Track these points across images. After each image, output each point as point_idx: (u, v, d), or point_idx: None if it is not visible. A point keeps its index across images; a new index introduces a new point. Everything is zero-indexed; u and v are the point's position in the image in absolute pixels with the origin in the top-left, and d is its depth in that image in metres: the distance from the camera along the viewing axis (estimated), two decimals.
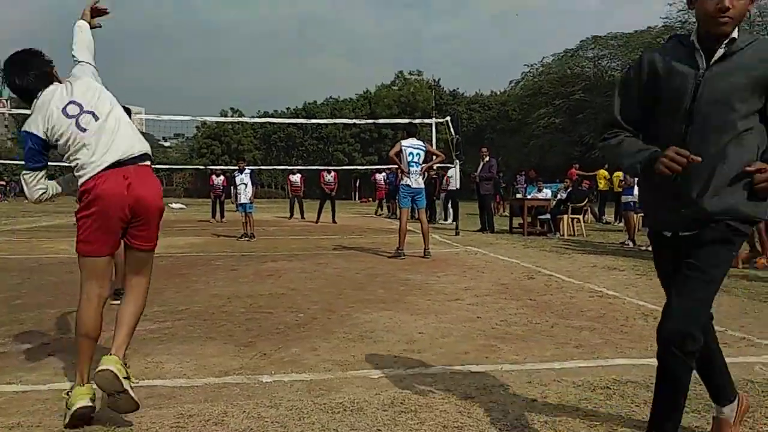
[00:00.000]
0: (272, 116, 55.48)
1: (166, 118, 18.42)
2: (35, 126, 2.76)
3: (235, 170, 13.21)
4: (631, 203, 11.18)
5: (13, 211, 24.67)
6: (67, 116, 2.74)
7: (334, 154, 52.97)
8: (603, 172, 17.69)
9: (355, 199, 46.18)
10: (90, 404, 2.60)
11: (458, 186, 13.88)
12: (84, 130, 2.74)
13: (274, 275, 6.86)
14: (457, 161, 13.37)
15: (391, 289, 6.01)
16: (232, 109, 59.43)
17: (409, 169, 8.49)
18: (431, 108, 23.15)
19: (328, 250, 9.66)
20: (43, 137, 2.76)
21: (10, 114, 71.54)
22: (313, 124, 44.54)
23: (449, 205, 16.86)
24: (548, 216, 12.89)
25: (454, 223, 13.39)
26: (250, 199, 11.85)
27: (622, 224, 13.58)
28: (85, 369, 2.72)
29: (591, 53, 42.01)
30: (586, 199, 14.09)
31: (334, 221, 16.67)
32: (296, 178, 19.00)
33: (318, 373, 3.34)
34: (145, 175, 2.83)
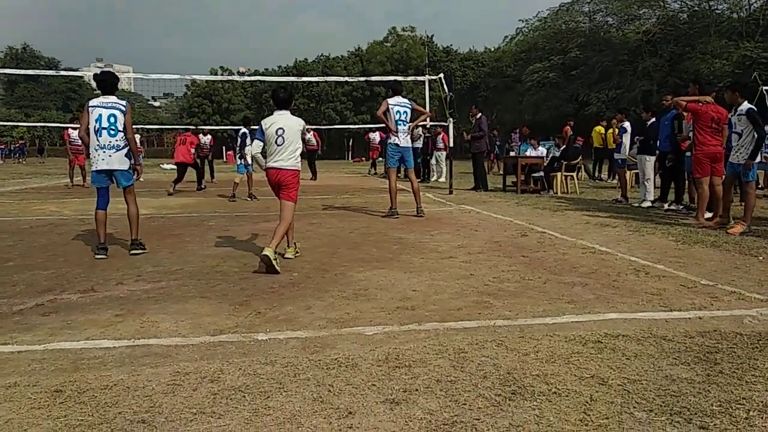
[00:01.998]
0: (263, 75, 54.66)
1: (154, 77, 18.01)
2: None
3: (232, 130, 12.92)
4: (620, 160, 11.19)
5: (2, 173, 24.43)
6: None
7: (326, 112, 52.47)
8: (598, 129, 17.59)
9: (348, 159, 45.95)
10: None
11: (452, 144, 13.79)
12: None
13: (267, 235, 6.83)
14: (451, 119, 13.24)
15: (385, 248, 6.02)
16: (221, 68, 58.48)
17: (396, 128, 8.37)
18: (424, 65, 22.79)
19: (321, 210, 9.64)
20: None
21: (2, 73, 70.17)
22: (304, 82, 44.00)
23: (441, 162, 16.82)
24: (542, 174, 12.87)
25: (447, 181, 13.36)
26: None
27: (615, 181, 13.61)
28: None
29: (587, 8, 41.35)
30: (580, 157, 14.05)
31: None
32: (206, 139, 18.25)
33: (313, 330, 3.36)
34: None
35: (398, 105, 8.41)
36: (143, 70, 38.93)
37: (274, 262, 4.78)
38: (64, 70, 63.95)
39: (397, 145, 8.41)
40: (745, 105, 7.00)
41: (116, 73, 6.18)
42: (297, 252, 5.59)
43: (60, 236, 6.94)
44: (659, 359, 2.85)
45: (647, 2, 36.30)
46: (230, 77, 48.66)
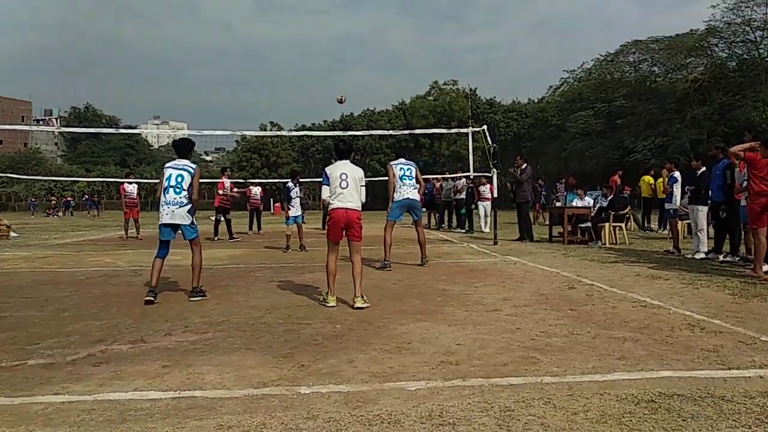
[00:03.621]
0: (310, 129, 56.16)
1: (207, 132, 18.78)
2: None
3: (280, 183, 13.41)
4: (672, 211, 10.90)
5: (62, 225, 25.57)
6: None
7: (371, 164, 53.25)
8: (647, 178, 17.27)
9: None
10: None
11: (496, 195, 13.74)
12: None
13: (311, 286, 6.90)
14: (495, 170, 13.23)
15: (429, 300, 5.97)
16: (271, 122, 60.46)
17: (402, 182, 8.72)
18: (467, 117, 23.03)
19: (364, 261, 9.67)
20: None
21: (59, 132, 74.43)
22: (350, 135, 44.95)
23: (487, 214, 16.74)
24: (589, 224, 12.64)
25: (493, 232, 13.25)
26: (303, 212, 12.23)
27: (666, 232, 13.24)
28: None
29: (632, 58, 41.31)
30: (628, 207, 13.77)
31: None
32: (257, 190, 18.66)
33: (355, 384, 3.33)
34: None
35: (400, 164, 8.92)
36: (197, 126, 40.66)
37: (366, 304, 5.54)
38: (123, 127, 67.30)
39: (404, 198, 8.72)
40: None
41: (191, 140, 6.89)
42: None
43: (113, 287, 7.16)
44: (717, 421, 2.70)
45: (694, 51, 36.00)
46: (279, 132, 50.16)
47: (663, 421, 2.72)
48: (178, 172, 6.23)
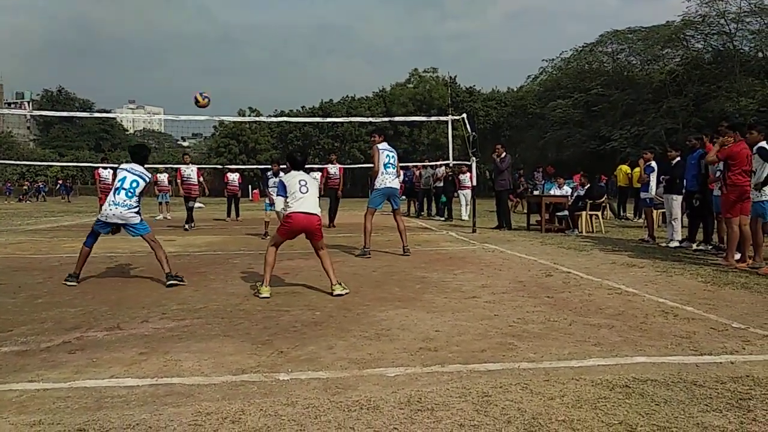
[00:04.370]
0: (288, 115, 55.70)
1: (184, 118, 18.47)
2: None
3: (258, 169, 13.21)
4: (648, 200, 11.06)
5: (35, 211, 25.07)
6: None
7: (351, 151, 53.08)
8: (624, 168, 17.48)
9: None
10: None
11: (475, 183, 13.80)
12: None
13: (290, 273, 6.88)
14: (474, 158, 13.28)
15: (408, 287, 6.00)
16: (249, 108, 59.80)
17: (386, 170, 8.64)
18: (447, 105, 23.05)
19: (344, 248, 9.67)
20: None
21: (32, 115, 72.77)
22: (329, 122, 44.69)
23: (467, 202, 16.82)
24: (566, 213, 12.77)
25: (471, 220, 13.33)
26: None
27: (641, 220, 13.44)
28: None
29: (610, 48, 41.62)
30: (605, 196, 13.93)
31: (331, 224, 13.54)
32: (234, 176, 18.26)
33: (334, 371, 3.34)
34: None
35: (387, 150, 8.78)
36: (174, 111, 40.08)
37: (345, 291, 5.55)
38: (98, 111, 66.04)
39: (386, 186, 8.64)
40: (760, 143, 7.04)
41: (147, 146, 7.23)
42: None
43: (88, 274, 7.05)
44: (690, 405, 2.76)
45: (670, 42, 36.38)
46: (257, 118, 49.60)
47: (637, 405, 2.77)
48: (134, 177, 6.42)
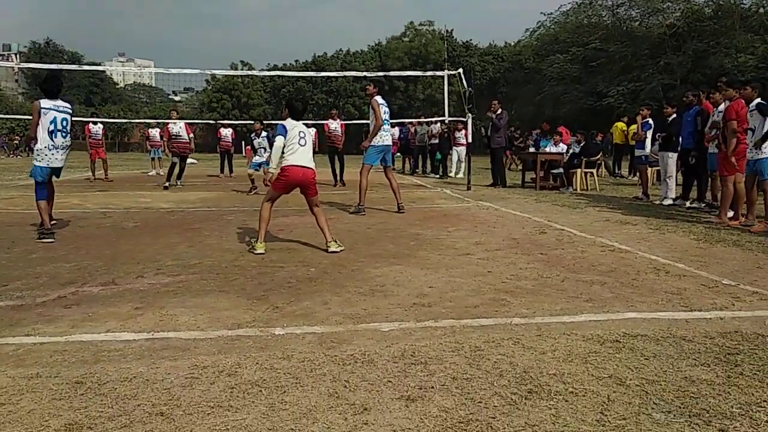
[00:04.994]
0: (282, 69, 54.81)
1: (175, 71, 18.12)
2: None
3: (247, 126, 13.14)
4: (643, 157, 11.04)
5: (26, 166, 24.81)
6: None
7: (345, 107, 52.49)
8: (620, 125, 17.38)
9: None
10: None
11: (470, 140, 13.71)
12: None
13: (285, 230, 6.89)
14: (470, 114, 13.14)
15: (402, 244, 6.02)
16: (242, 62, 58.78)
17: (383, 126, 8.50)
18: (443, 60, 22.70)
19: (339, 205, 9.66)
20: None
21: (20, 68, 71.22)
22: (323, 77, 44.06)
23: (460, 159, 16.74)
24: (561, 170, 12.76)
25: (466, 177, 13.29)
26: (267, 158, 11.92)
27: (636, 178, 13.45)
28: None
29: (609, 2, 40.75)
30: (600, 153, 13.89)
31: (340, 182, 13.71)
32: (227, 132, 18.10)
33: (329, 326, 3.38)
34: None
35: (384, 105, 8.60)
36: (165, 64, 39.31)
37: (340, 247, 5.56)
38: (87, 64, 64.75)
39: (382, 143, 8.53)
40: (756, 100, 6.96)
41: (59, 76, 6.98)
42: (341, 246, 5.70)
43: (82, 229, 7.05)
44: (678, 360, 2.81)
45: None
46: (250, 72, 48.83)
47: (626, 359, 2.82)
48: (63, 115, 6.29)
